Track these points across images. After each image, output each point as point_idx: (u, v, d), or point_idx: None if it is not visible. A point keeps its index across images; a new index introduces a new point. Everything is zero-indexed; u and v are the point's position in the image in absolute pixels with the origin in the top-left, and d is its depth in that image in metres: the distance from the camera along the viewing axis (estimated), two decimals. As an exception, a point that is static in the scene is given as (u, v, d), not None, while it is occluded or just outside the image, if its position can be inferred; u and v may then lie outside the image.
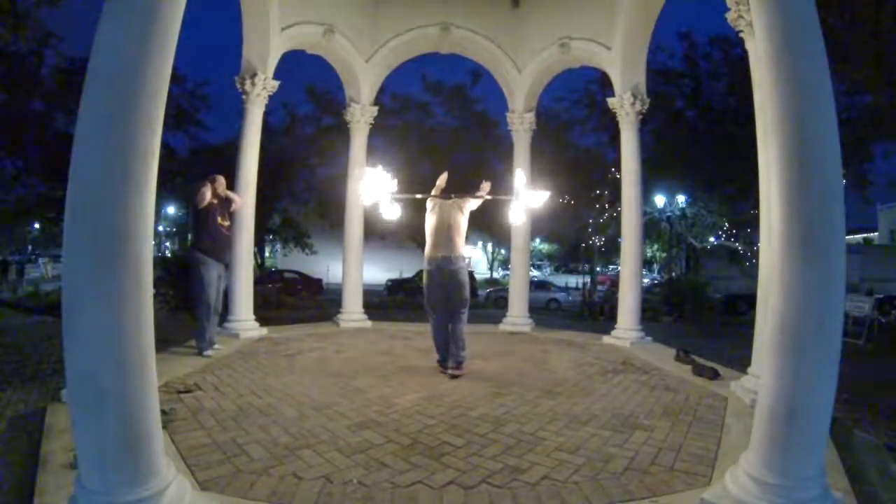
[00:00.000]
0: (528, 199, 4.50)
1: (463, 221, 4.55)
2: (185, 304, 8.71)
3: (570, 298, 20.11)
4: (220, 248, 5.05)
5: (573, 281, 26.63)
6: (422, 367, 4.66)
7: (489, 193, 4.80)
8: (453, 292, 4.43)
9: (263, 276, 17.93)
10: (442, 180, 4.81)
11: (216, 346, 5.07)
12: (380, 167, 4.15)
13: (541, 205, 4.59)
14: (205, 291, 4.85)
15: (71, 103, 12.81)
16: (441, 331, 4.52)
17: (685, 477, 2.47)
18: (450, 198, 4.62)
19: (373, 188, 4.12)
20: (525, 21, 7.01)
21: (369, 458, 2.59)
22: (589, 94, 17.51)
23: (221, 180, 5.15)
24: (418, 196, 4.77)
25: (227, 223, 5.15)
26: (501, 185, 6.41)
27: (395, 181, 4.16)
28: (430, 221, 4.56)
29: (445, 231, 4.46)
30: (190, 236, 4.93)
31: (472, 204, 4.71)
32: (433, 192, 4.74)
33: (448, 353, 4.44)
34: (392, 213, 4.27)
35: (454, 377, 4.27)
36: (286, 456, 2.59)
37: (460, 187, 4.97)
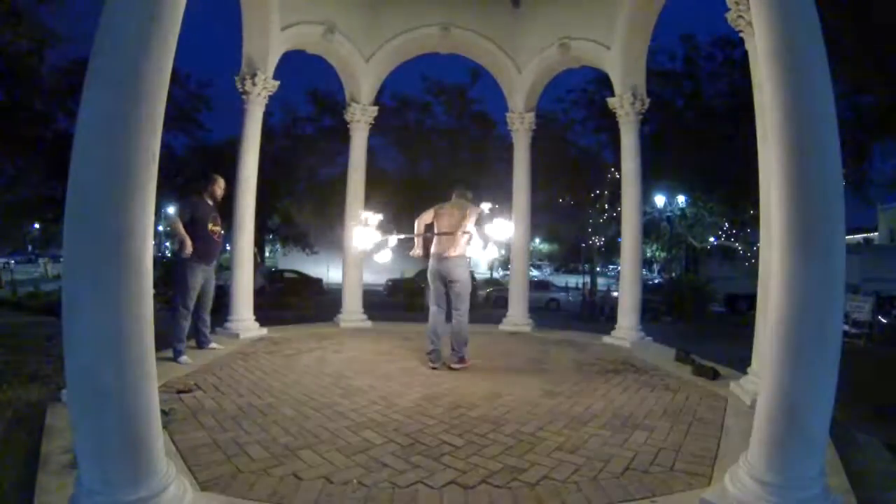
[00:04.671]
0: (494, 234, 4.33)
1: (468, 226, 4.66)
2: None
3: (570, 299, 20.09)
4: (210, 253, 4.88)
5: (573, 281, 26.62)
6: (422, 367, 4.67)
7: (485, 217, 4.65)
8: (454, 287, 4.76)
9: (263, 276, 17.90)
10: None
11: (214, 346, 5.06)
12: (373, 216, 4.53)
13: (506, 238, 4.52)
14: (187, 296, 4.66)
15: (71, 103, 12.81)
16: (438, 321, 4.79)
17: (685, 477, 2.47)
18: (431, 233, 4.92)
19: (366, 237, 4.51)
20: (525, 21, 7.00)
21: (369, 458, 2.59)
22: (589, 94, 17.50)
23: (220, 182, 5.02)
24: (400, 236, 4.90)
25: (218, 228, 4.93)
26: (501, 187, 6.37)
27: (393, 234, 4.68)
28: (438, 221, 4.86)
29: (451, 231, 4.75)
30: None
31: (472, 218, 4.71)
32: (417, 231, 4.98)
33: (439, 346, 4.71)
34: (384, 257, 4.65)
35: (454, 370, 4.56)
36: (286, 456, 2.59)
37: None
